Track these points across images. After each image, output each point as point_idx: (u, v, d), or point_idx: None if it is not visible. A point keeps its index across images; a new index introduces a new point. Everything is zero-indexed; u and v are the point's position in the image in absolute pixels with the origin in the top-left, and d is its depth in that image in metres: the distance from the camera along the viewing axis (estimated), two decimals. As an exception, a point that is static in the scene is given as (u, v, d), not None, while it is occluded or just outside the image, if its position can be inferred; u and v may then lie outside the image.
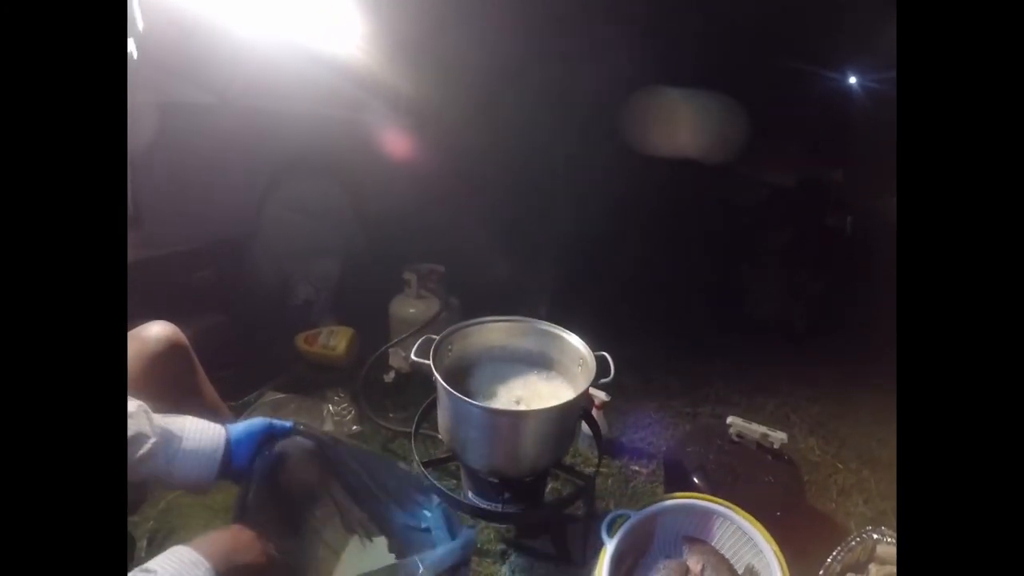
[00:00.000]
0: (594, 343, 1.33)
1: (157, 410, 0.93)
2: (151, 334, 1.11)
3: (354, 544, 1.14)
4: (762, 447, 1.31)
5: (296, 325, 2.05)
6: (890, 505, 1.44)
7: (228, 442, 0.95)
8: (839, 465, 1.61)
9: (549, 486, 1.54)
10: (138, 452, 0.85)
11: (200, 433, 0.93)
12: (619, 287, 2.51)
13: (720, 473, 1.28)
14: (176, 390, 1.11)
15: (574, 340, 1.38)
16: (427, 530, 1.12)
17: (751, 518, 1.06)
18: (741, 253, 2.65)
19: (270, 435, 1.01)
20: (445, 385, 1.19)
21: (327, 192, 2.15)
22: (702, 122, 2.76)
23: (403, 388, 1.93)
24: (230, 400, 1.81)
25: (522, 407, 1.29)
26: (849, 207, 2.66)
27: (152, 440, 0.86)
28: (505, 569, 1.35)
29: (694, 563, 1.10)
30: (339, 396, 1.82)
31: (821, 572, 0.99)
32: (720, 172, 2.86)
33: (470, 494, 1.43)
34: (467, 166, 2.49)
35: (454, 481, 1.52)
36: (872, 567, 0.99)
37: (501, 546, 1.41)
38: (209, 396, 1.25)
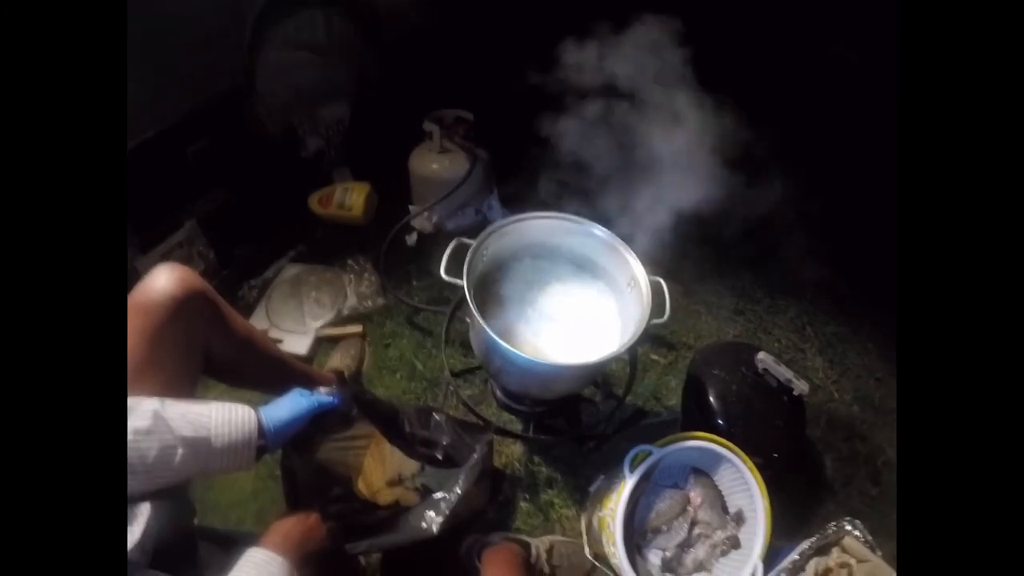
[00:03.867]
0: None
1: (180, 391, 0.86)
2: (154, 295, 0.89)
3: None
4: (782, 388, 1.35)
5: (308, 184, 1.88)
6: (866, 447, 1.53)
7: (261, 428, 0.87)
8: (835, 394, 1.65)
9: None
10: (172, 463, 0.77)
11: (229, 427, 0.83)
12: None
13: (739, 406, 1.33)
14: (199, 350, 0.97)
15: (630, 257, 1.26)
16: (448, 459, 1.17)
17: (755, 469, 1.15)
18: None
19: (316, 414, 0.95)
20: (481, 322, 1.12)
21: (329, 23, 1.73)
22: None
23: (427, 251, 1.83)
24: (248, 280, 1.74)
25: (558, 358, 1.23)
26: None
27: (180, 452, 0.78)
28: (524, 448, 1.47)
29: (695, 495, 1.22)
30: (359, 265, 1.77)
31: (796, 555, 1.10)
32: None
33: (498, 392, 1.53)
34: None
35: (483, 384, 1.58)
36: (834, 551, 1.09)
37: (521, 427, 1.50)
38: (241, 331, 1.07)
